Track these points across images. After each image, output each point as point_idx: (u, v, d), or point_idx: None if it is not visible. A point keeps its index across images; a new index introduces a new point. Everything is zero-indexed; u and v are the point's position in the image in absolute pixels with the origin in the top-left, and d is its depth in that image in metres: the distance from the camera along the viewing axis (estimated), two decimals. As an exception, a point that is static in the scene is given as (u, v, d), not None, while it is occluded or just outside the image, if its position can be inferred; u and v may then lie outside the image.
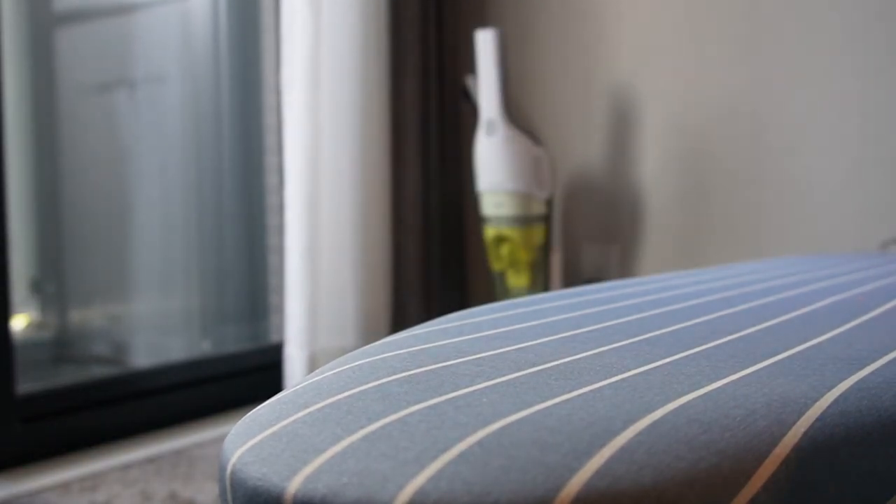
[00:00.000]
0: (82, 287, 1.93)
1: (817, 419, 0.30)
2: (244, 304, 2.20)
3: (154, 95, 2.03)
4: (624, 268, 2.08)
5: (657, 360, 0.40)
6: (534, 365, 0.40)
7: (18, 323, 1.82)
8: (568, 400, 0.34)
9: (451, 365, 0.42)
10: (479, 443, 0.30)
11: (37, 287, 1.84)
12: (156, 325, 2.06)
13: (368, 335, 1.98)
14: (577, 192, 2.14)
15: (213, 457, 1.59)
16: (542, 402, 0.34)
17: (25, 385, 1.60)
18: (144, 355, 2.01)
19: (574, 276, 2.13)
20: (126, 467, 1.53)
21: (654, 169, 2.05)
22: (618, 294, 0.64)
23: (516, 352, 0.43)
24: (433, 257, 2.15)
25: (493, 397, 0.35)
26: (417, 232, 2.09)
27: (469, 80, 2.10)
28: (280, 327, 2.18)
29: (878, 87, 1.78)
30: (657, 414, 0.31)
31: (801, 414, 0.31)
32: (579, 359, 0.41)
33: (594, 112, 2.12)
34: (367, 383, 0.38)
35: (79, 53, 1.89)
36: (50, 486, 1.42)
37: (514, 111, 2.04)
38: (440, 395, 0.35)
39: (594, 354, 0.41)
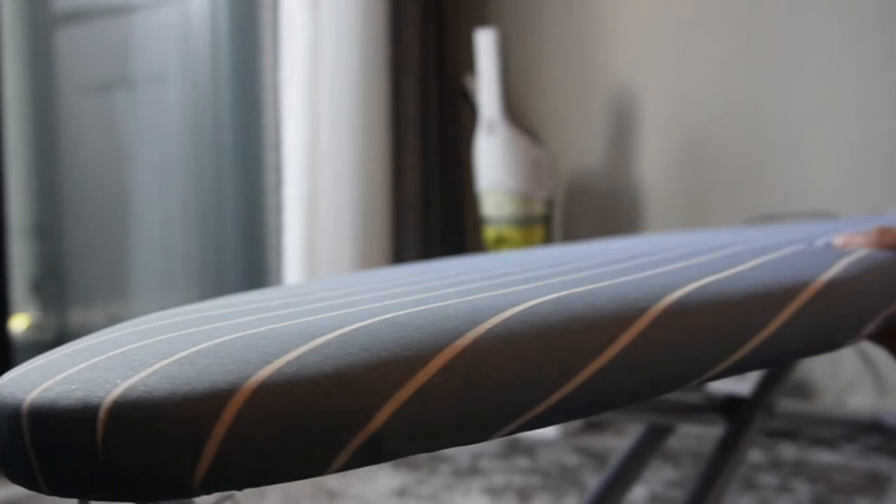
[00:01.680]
0: (82, 287, 1.92)
1: (506, 318, 0.35)
2: (244, 304, 2.20)
3: (154, 95, 2.03)
4: (624, 268, 2.07)
5: (426, 301, 0.44)
6: (320, 301, 0.43)
7: (19, 323, 1.82)
8: (304, 321, 0.37)
9: (234, 304, 0.47)
10: (198, 351, 0.33)
11: (37, 287, 1.84)
12: (156, 324, 2.05)
13: (368, 335, 1.97)
14: (577, 192, 2.14)
15: (214, 457, 1.59)
16: (281, 322, 0.37)
17: (25, 385, 1.60)
18: (144, 355, 2.01)
19: (574, 276, 2.13)
20: (126, 468, 1.53)
21: (654, 169, 2.05)
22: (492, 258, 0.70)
23: (321, 293, 0.48)
24: (433, 257, 2.15)
25: (242, 321, 0.39)
26: (417, 231, 2.09)
27: (469, 80, 2.09)
28: (280, 327, 2.17)
29: (879, 87, 1.78)
30: (364, 322, 0.35)
31: (491, 316, 0.35)
32: (369, 297, 0.44)
33: (594, 112, 2.12)
34: (145, 325, 0.42)
35: (79, 53, 1.89)
36: (50, 486, 1.42)
37: (514, 111, 2.03)
38: (200, 325, 0.39)
39: (386, 293, 0.45)
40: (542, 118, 2.18)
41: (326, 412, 0.29)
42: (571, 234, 2.15)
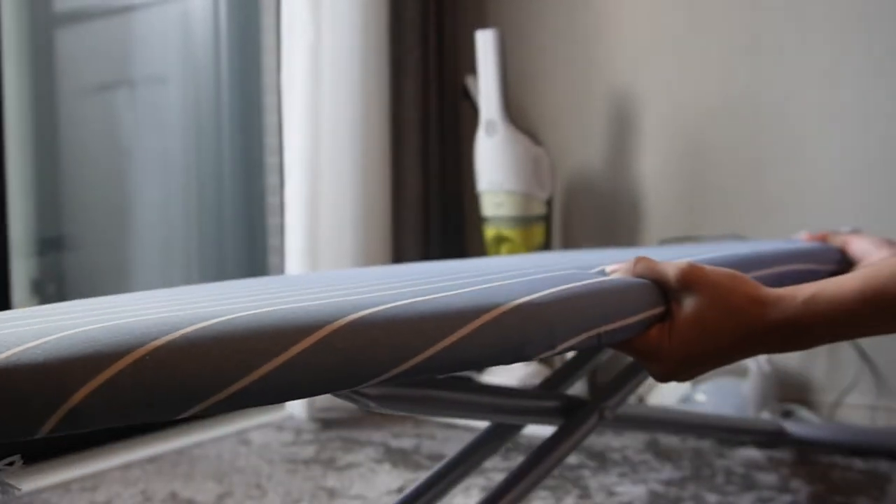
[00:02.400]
0: (83, 287, 1.93)
1: (202, 326, 0.44)
2: (244, 305, 2.20)
3: (154, 96, 2.03)
4: (624, 268, 2.07)
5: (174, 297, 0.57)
6: (102, 309, 0.55)
7: (19, 323, 1.81)
8: (52, 324, 0.47)
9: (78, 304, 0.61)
10: None
11: (37, 287, 1.84)
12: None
13: (368, 335, 1.97)
14: (577, 192, 2.14)
15: (214, 456, 1.60)
16: (38, 325, 0.48)
17: (26, 385, 1.60)
18: (145, 355, 2.01)
19: (574, 276, 2.13)
20: (126, 467, 1.53)
21: (653, 169, 2.05)
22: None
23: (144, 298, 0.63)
24: (433, 257, 2.15)
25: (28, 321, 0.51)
26: (417, 232, 2.09)
27: (469, 80, 2.10)
28: (280, 327, 2.17)
29: (879, 87, 1.78)
30: (87, 327, 0.44)
31: (191, 324, 0.44)
32: (135, 308, 0.55)
33: (594, 112, 2.12)
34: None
35: (79, 53, 1.90)
36: (50, 486, 1.43)
37: (514, 111, 2.04)
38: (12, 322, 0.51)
39: (159, 306, 0.56)
40: (542, 118, 2.18)
41: (37, 390, 0.40)
42: (571, 233, 2.15)
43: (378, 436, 1.72)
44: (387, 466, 1.52)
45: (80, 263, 1.92)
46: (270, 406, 0.48)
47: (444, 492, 0.89)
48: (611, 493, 1.35)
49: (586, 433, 0.84)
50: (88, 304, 0.62)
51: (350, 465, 1.53)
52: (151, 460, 1.57)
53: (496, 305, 0.54)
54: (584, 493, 1.35)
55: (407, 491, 0.88)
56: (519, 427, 0.97)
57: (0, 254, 1.53)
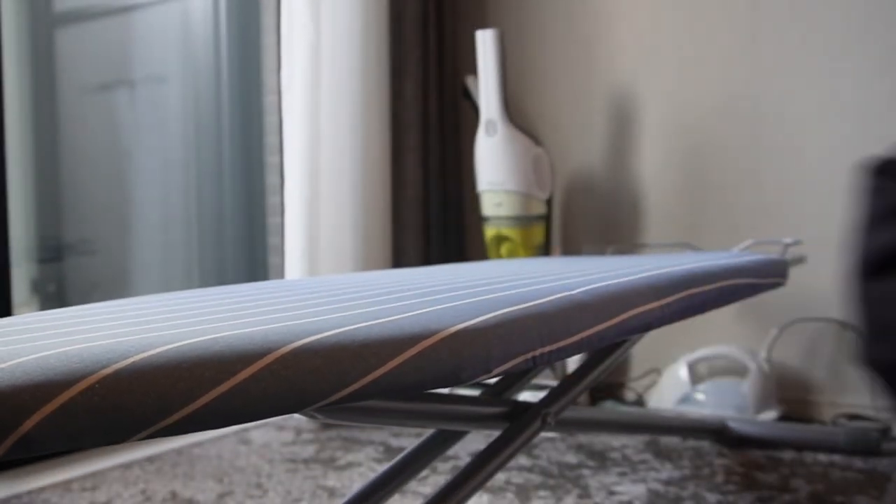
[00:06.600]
0: (82, 287, 1.93)
1: (149, 355, 0.46)
2: (244, 304, 2.19)
3: (154, 95, 2.03)
4: (624, 268, 2.07)
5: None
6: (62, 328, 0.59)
7: (19, 323, 1.81)
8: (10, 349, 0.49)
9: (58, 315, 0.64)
10: None
11: (37, 287, 1.84)
12: (156, 324, 2.05)
13: (368, 335, 1.97)
14: (577, 192, 2.14)
15: (214, 456, 1.60)
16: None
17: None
18: (145, 355, 2.01)
19: (574, 276, 2.13)
20: (127, 467, 1.53)
21: (653, 169, 2.05)
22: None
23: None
24: (433, 257, 2.15)
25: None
26: (417, 232, 2.09)
27: (469, 80, 2.10)
28: (280, 327, 2.17)
29: (878, 87, 1.78)
30: (42, 353, 0.46)
31: (139, 352, 0.46)
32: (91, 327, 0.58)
33: (594, 112, 2.12)
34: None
35: (79, 53, 1.90)
36: (50, 485, 1.43)
37: (514, 111, 2.04)
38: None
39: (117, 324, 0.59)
40: (542, 118, 2.18)
41: None
42: (570, 233, 2.15)
43: (378, 435, 1.72)
44: (387, 466, 1.52)
45: (80, 263, 1.92)
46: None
47: (385, 497, 0.92)
48: (611, 493, 1.36)
49: (529, 438, 0.86)
50: (57, 319, 0.64)
51: (350, 465, 1.53)
52: (151, 460, 1.57)
53: (434, 332, 0.56)
54: (584, 493, 1.35)
55: (347, 497, 0.90)
56: (463, 432, 0.99)
57: (0, 254, 1.53)
